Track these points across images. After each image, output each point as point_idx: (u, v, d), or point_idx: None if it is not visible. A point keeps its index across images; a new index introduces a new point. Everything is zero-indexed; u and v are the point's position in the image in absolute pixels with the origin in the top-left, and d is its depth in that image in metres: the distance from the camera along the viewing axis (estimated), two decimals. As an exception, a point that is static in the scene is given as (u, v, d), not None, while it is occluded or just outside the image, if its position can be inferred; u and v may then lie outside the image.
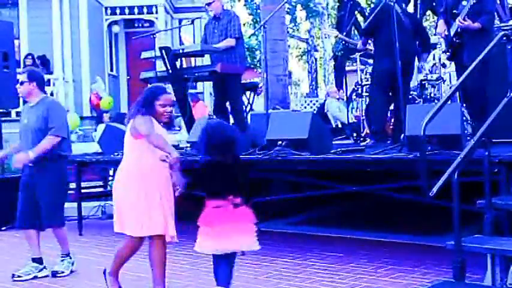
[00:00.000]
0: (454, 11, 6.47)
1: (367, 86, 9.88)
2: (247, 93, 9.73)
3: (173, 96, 4.66)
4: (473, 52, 6.26)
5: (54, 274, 5.95)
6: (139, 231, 4.64)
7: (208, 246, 4.19)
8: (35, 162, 5.81)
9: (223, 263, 4.25)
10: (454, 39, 6.54)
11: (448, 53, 6.94)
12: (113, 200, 4.80)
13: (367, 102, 9.69)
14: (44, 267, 6.05)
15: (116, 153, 7.90)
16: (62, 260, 6.08)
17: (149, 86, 4.81)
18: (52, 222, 6.02)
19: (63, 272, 5.98)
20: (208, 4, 8.34)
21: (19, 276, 5.87)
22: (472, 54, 6.25)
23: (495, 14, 6.94)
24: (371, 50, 8.33)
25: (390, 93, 7.35)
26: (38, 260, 6.05)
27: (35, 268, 5.99)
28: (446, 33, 6.65)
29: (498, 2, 15.75)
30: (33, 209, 5.97)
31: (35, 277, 5.91)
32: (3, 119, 12.73)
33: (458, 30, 6.45)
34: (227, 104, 8.39)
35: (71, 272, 6.04)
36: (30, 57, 14.62)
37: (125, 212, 4.65)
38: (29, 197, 6.01)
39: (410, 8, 22.28)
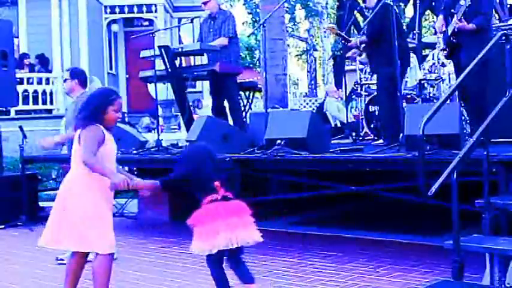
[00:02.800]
0: (452, 10, 6.48)
1: (366, 85, 9.89)
2: (246, 92, 9.74)
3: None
4: (470, 52, 6.26)
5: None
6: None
7: (201, 246, 4.10)
8: None
9: (218, 266, 4.20)
10: (451, 38, 6.55)
11: (445, 51, 6.95)
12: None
13: (366, 102, 9.70)
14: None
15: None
16: None
17: (100, 88, 4.61)
18: None
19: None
20: (205, 3, 8.37)
21: (62, 260, 6.05)
22: (470, 55, 6.25)
23: (493, 13, 6.92)
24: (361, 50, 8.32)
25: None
26: None
27: None
28: (444, 29, 6.66)
29: (497, 1, 15.79)
30: None
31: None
32: (2, 117, 12.77)
33: (455, 30, 6.46)
34: (225, 103, 8.42)
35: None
36: (28, 57, 14.65)
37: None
38: None
39: (409, 8, 22.32)
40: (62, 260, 6.11)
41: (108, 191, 4.18)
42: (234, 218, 4.10)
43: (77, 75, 6.37)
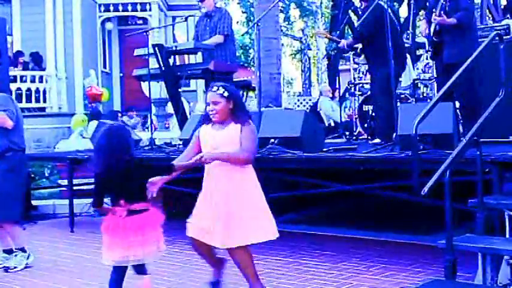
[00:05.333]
0: (434, 10, 6.51)
1: (360, 85, 9.90)
2: (240, 91, 9.73)
3: (215, 94, 4.37)
4: (452, 50, 6.32)
5: (6, 269, 6.00)
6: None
7: (105, 256, 4.11)
8: None
9: (118, 276, 4.17)
10: (434, 38, 6.59)
11: (430, 52, 7.00)
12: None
13: (359, 101, 9.71)
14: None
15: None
16: (16, 255, 6.11)
17: None
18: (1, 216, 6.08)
19: (15, 268, 6.02)
20: (202, 1, 8.36)
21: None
22: (452, 52, 6.32)
23: (485, 13, 6.97)
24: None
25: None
26: (8, 251, 6.17)
27: (5, 258, 6.15)
28: (427, 31, 6.71)
29: (491, 2, 15.83)
30: None
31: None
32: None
33: (437, 28, 6.50)
34: None
35: (27, 266, 6.08)
36: (23, 56, 14.61)
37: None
38: None
39: (403, 8, 22.39)
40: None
41: None
42: (133, 236, 4.03)
43: None
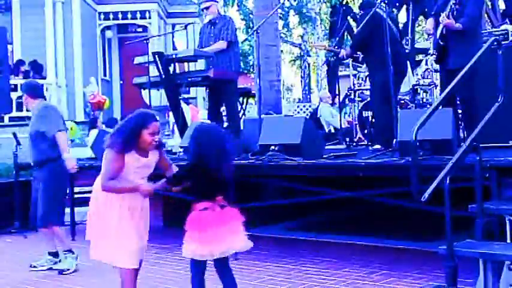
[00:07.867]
0: (441, 13, 6.53)
1: (360, 91, 9.91)
2: (240, 98, 9.74)
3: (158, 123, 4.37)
4: (457, 56, 6.32)
5: (61, 272, 6.19)
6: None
7: (198, 251, 4.08)
8: (36, 164, 6.32)
9: (200, 272, 4.17)
10: (440, 41, 6.60)
11: (434, 56, 6.99)
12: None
13: (359, 107, 9.72)
14: (59, 261, 6.39)
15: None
16: (66, 257, 6.32)
17: (137, 111, 4.43)
18: (44, 221, 6.26)
19: (68, 269, 6.22)
20: (207, 8, 8.36)
21: (34, 267, 6.32)
22: (457, 58, 6.32)
23: (485, 18, 6.98)
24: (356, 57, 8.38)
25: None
26: (53, 254, 6.42)
27: (50, 261, 6.40)
28: (432, 31, 6.71)
29: (490, 7, 15.85)
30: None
31: (50, 269, 6.33)
32: (-4, 124, 12.75)
33: (443, 31, 6.51)
34: (221, 108, 8.42)
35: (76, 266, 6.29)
36: (24, 65, 14.63)
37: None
38: (36, 199, 6.42)
39: (402, 14, 22.47)
40: (35, 267, 6.34)
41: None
42: (226, 227, 4.09)
43: (25, 88, 6.56)
